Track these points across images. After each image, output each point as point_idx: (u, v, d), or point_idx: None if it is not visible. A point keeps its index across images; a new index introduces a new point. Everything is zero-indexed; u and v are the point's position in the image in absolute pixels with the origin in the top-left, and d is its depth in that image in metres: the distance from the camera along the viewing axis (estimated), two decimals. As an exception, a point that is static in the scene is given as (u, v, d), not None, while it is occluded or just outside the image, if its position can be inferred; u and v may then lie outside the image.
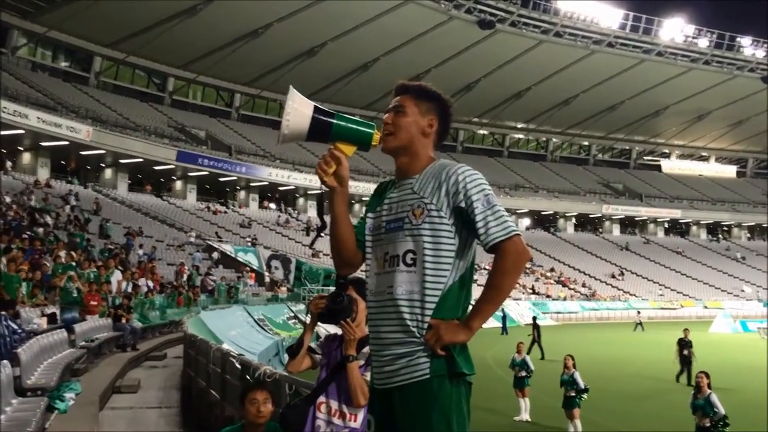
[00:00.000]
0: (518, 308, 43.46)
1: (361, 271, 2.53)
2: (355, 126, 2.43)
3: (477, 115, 64.84)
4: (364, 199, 47.96)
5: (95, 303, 14.89)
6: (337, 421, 3.20)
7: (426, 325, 2.24)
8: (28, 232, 20.71)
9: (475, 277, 2.43)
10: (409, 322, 2.26)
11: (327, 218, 2.54)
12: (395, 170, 2.48)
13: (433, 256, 2.27)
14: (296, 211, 51.95)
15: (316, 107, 2.40)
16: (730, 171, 79.15)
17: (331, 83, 55.40)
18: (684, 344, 18.18)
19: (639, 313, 40.76)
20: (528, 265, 53.30)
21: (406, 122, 2.41)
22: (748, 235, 72.61)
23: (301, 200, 53.14)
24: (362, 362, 3.19)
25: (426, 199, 2.31)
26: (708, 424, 8.60)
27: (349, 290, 3.26)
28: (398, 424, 2.24)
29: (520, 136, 72.34)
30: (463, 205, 2.26)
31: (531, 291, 49.43)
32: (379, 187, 2.55)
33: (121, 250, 26.21)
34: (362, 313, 3.23)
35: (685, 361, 17.82)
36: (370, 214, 2.48)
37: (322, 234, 2.63)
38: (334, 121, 2.41)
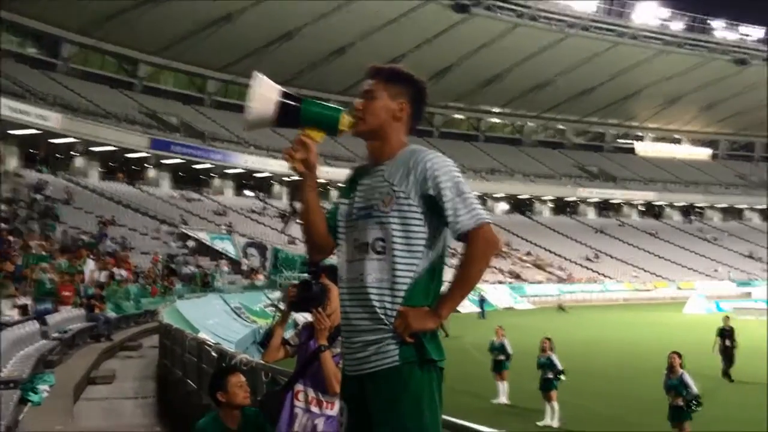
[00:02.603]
0: (496, 292, 43.75)
1: (334, 256, 2.50)
2: (323, 111, 2.38)
3: (453, 99, 64.82)
4: (341, 184, 47.81)
5: (68, 293, 14.69)
6: (314, 408, 3.20)
7: (395, 313, 2.24)
8: (1, 223, 20.38)
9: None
10: (378, 310, 2.25)
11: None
12: (367, 155, 2.44)
13: (403, 243, 2.26)
14: (271, 197, 51.69)
15: (283, 92, 2.34)
16: (702, 153, 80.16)
17: (307, 68, 55.02)
18: (725, 334, 15.69)
19: (560, 295, 41.64)
20: (505, 249, 53.67)
21: (375, 106, 2.38)
22: (721, 216, 73.68)
23: (277, 187, 52.84)
24: (338, 350, 3.16)
25: (396, 186, 2.29)
26: (681, 404, 8.71)
27: (321, 278, 3.21)
28: (370, 411, 2.24)
29: (496, 120, 72.56)
30: (431, 192, 2.24)
31: (508, 274, 49.76)
32: (352, 173, 2.51)
33: (93, 239, 25.88)
34: (336, 300, 3.20)
35: (728, 354, 15.38)
36: (343, 200, 2.45)
37: (295, 220, 2.57)
38: (302, 105, 2.35)
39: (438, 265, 2.31)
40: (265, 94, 2.32)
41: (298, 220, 2.56)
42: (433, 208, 2.25)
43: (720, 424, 10.44)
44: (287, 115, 2.34)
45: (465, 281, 2.23)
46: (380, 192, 2.32)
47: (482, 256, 2.23)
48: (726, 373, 15.11)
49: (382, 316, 2.25)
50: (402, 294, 2.24)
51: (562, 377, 11.00)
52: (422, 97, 2.44)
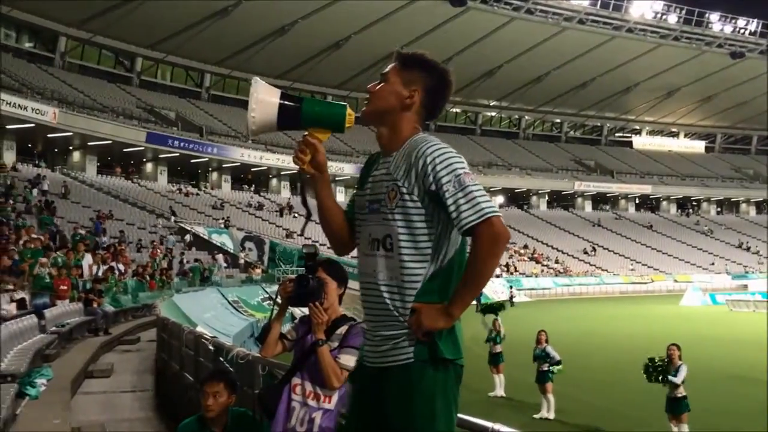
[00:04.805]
0: (492, 285, 43.78)
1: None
2: (326, 109, 2.32)
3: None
4: (338, 179, 47.83)
5: (65, 288, 14.68)
6: (311, 402, 3.20)
7: (408, 310, 2.20)
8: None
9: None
10: (391, 307, 2.23)
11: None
12: (378, 142, 2.37)
13: (409, 241, 2.20)
14: (269, 191, 51.70)
15: (282, 93, 2.28)
16: (698, 146, 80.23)
17: (303, 62, 54.91)
18: None
19: (512, 287, 41.94)
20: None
21: (383, 91, 2.30)
22: (717, 209, 73.85)
23: (274, 181, 52.81)
24: (335, 344, 3.18)
25: (399, 181, 2.22)
26: (679, 395, 8.79)
27: (318, 272, 3.22)
28: (382, 404, 2.23)
29: (493, 113, 72.52)
30: (433, 188, 2.16)
31: (505, 268, 49.81)
32: (368, 160, 2.44)
33: (90, 233, 25.85)
34: (333, 294, 3.24)
35: None
36: (357, 192, 2.41)
37: (312, 220, 2.54)
38: (303, 106, 2.29)
39: (455, 261, 2.25)
40: (264, 98, 2.26)
41: (314, 220, 2.51)
42: (439, 204, 2.18)
43: (719, 417, 10.49)
44: (289, 118, 2.28)
45: (475, 279, 2.15)
46: (386, 186, 2.26)
47: (489, 252, 2.13)
48: None
49: (396, 314, 2.22)
50: (412, 292, 2.20)
51: (558, 368, 11.02)
52: (441, 87, 2.34)
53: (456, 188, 2.14)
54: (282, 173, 51.15)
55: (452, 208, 2.13)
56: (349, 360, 3.11)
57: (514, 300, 39.00)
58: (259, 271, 32.72)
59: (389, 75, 2.32)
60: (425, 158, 2.18)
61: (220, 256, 32.14)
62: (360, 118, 2.36)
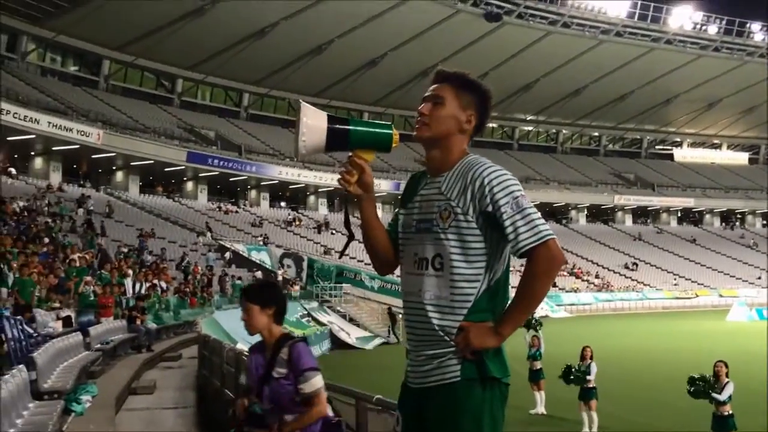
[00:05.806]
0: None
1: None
2: (373, 129, 2.36)
3: (486, 108, 64.49)
4: (375, 195, 47.95)
5: (109, 305, 14.95)
6: None
7: (456, 330, 2.20)
8: (45, 237, 20.88)
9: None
10: (437, 327, 2.23)
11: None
12: (426, 162, 2.39)
13: (461, 261, 2.21)
14: (306, 209, 52.07)
15: (330, 117, 2.32)
16: (742, 158, 78.46)
17: (339, 80, 55.37)
18: None
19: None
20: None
21: (443, 115, 2.31)
22: (763, 222, 72.00)
23: (312, 198, 53.18)
24: (284, 371, 3.03)
25: (453, 201, 2.24)
26: (726, 413, 8.57)
27: (243, 302, 3.14)
28: (428, 424, 2.22)
29: (530, 128, 72.04)
30: (490, 209, 2.18)
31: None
32: (412, 179, 2.46)
33: (133, 251, 26.32)
34: (257, 318, 3.10)
35: None
36: (402, 210, 2.42)
37: (356, 239, 2.55)
38: (351, 127, 2.33)
39: (502, 279, 2.26)
40: (313, 123, 2.29)
41: (358, 240, 2.53)
42: (494, 225, 2.19)
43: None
44: (338, 141, 2.32)
45: (528, 300, 2.17)
46: (438, 206, 2.26)
47: (545, 274, 2.16)
48: None
49: (441, 333, 2.22)
50: (463, 311, 2.20)
51: (585, 378, 10.86)
52: (488, 107, 2.38)
53: (514, 210, 2.17)
54: (319, 190, 51.48)
55: (510, 229, 2.16)
56: (314, 384, 2.98)
57: (536, 317, 38.37)
58: (297, 287, 32.90)
59: (446, 98, 2.33)
60: (482, 179, 2.21)
61: (258, 273, 32.41)
62: (413, 136, 2.38)
